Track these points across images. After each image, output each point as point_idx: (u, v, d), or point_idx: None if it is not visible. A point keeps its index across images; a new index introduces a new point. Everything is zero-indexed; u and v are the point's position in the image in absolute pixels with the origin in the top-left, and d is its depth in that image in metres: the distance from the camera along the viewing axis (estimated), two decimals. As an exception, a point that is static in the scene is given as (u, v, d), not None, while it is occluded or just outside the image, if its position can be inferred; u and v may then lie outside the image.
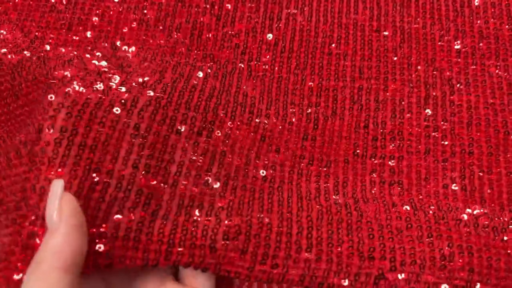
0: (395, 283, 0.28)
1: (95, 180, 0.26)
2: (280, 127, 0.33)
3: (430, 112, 0.34)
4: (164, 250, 0.27)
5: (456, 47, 0.36)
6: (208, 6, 0.36)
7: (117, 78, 0.28)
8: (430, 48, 0.36)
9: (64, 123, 0.26)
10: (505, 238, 0.29)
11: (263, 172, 0.31)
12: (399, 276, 0.28)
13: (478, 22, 0.36)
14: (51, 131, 0.26)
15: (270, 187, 0.30)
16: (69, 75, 0.28)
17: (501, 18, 0.36)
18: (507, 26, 0.36)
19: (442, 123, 0.34)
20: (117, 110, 0.27)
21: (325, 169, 0.32)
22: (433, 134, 0.33)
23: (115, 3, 0.36)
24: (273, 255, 0.28)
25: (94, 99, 0.27)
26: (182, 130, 0.29)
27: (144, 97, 0.28)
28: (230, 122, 0.31)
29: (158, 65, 0.33)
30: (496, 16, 0.37)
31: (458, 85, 0.35)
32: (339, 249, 0.28)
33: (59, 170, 0.25)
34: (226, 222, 0.28)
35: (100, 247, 0.26)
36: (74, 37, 0.35)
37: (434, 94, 0.34)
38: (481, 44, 0.36)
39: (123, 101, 0.28)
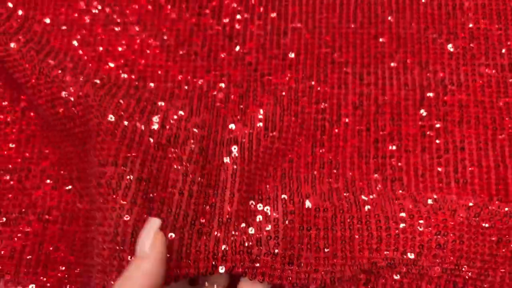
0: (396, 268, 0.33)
1: (151, 207, 0.32)
2: (291, 136, 0.37)
3: (425, 113, 0.38)
4: (211, 261, 0.32)
5: (449, 49, 0.39)
6: (220, 27, 0.40)
7: (156, 117, 0.34)
8: (424, 52, 0.39)
9: (124, 160, 0.32)
10: (488, 225, 0.33)
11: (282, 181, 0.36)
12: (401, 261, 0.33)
13: (470, 24, 0.40)
14: (114, 166, 0.32)
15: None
16: (123, 114, 0.33)
17: (491, 18, 0.40)
18: (496, 26, 0.39)
19: (436, 122, 0.37)
20: (164, 146, 0.33)
21: (335, 171, 0.37)
22: (428, 133, 0.37)
23: (136, 32, 0.40)
24: (298, 255, 0.33)
25: (146, 136, 0.33)
26: (225, 159, 0.35)
27: (183, 132, 0.34)
28: (255, 145, 0.36)
29: (185, 96, 0.38)
30: (486, 16, 0.40)
31: (450, 86, 0.38)
32: (351, 244, 0.33)
33: (122, 201, 0.31)
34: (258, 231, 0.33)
35: None
36: (107, 66, 0.39)
37: (428, 95, 0.38)
38: (472, 45, 0.39)
39: (168, 138, 0.34)
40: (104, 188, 0.32)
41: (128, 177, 0.32)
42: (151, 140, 0.34)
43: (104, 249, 0.31)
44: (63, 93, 0.35)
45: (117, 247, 0.31)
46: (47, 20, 0.40)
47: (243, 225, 0.34)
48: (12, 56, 0.36)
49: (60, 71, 0.36)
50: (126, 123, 0.34)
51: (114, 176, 0.32)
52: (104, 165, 0.32)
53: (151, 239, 0.29)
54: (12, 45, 0.36)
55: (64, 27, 0.40)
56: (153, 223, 0.30)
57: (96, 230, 0.32)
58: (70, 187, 0.37)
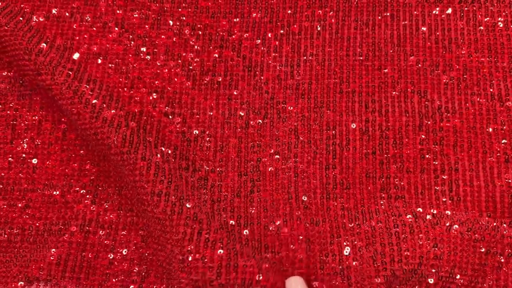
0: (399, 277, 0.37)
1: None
2: (307, 160, 0.42)
3: (424, 136, 0.42)
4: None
5: (445, 79, 0.44)
6: (240, 59, 0.45)
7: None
8: (423, 82, 0.44)
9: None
10: (479, 238, 0.38)
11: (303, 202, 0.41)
12: (403, 272, 0.37)
13: (463, 57, 0.44)
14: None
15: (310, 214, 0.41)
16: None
17: (482, 52, 0.44)
18: (488, 59, 0.44)
19: (433, 146, 0.42)
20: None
21: (346, 190, 0.41)
22: (427, 156, 0.42)
23: (164, 61, 0.45)
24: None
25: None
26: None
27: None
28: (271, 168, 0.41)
29: (210, 121, 0.43)
30: (478, 50, 0.44)
31: (446, 113, 0.43)
32: (360, 261, 0.38)
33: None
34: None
35: None
36: (139, 93, 0.44)
37: (426, 122, 0.43)
38: (465, 76, 0.44)
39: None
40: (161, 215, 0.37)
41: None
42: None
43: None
44: (106, 128, 0.40)
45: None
46: (83, 49, 0.45)
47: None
48: (59, 85, 0.41)
49: (96, 101, 0.41)
50: (157, 160, 0.39)
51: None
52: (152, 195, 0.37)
53: None
54: (58, 78, 0.41)
55: (98, 56, 0.45)
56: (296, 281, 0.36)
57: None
58: (107, 201, 0.42)
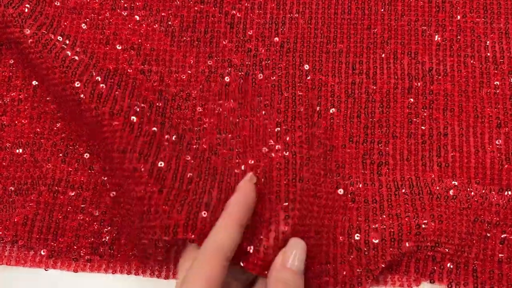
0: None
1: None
2: (291, 116, 0.39)
3: (412, 100, 0.40)
4: None
5: (437, 40, 0.41)
6: (222, 15, 0.43)
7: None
8: (414, 43, 0.42)
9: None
10: (466, 206, 0.36)
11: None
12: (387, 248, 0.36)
13: (458, 16, 0.42)
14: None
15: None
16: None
17: (478, 11, 0.42)
18: (482, 19, 0.42)
19: (422, 110, 0.40)
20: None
21: (328, 152, 0.39)
22: (414, 119, 0.40)
23: (142, 17, 0.43)
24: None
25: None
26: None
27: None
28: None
29: (189, 80, 0.41)
30: (473, 10, 0.42)
31: (437, 75, 0.41)
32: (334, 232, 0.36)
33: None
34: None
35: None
36: (114, 49, 0.42)
37: (416, 84, 0.41)
38: (459, 37, 0.41)
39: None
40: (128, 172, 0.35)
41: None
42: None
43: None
44: (76, 83, 0.37)
45: None
46: (57, 3, 0.42)
47: None
48: (28, 38, 0.38)
49: (71, 55, 0.38)
50: (134, 118, 0.36)
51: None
52: (122, 152, 0.35)
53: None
54: (27, 31, 0.39)
55: (73, 10, 0.42)
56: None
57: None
58: (78, 161, 0.40)
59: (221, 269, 0.30)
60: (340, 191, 0.38)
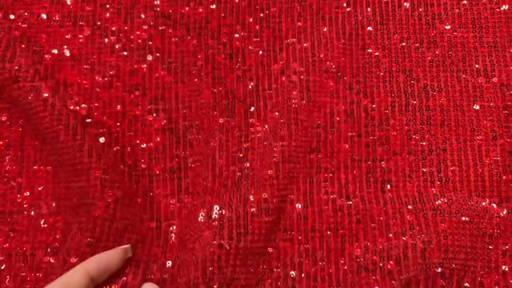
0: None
1: None
2: (294, 144, 0.41)
3: (410, 117, 0.42)
4: None
5: (429, 57, 0.43)
6: (220, 46, 0.43)
7: None
8: (408, 60, 0.43)
9: None
10: (468, 219, 0.38)
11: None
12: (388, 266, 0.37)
13: (447, 33, 0.43)
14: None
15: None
16: None
17: (467, 26, 0.43)
18: (472, 34, 0.43)
19: (420, 126, 0.41)
20: None
21: (330, 175, 0.41)
22: (414, 136, 0.41)
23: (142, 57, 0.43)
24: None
25: None
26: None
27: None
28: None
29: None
30: (462, 26, 0.43)
31: (432, 92, 0.42)
32: (345, 253, 0.38)
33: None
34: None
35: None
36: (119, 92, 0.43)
37: (413, 102, 0.42)
38: (450, 53, 0.43)
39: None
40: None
41: None
42: None
43: None
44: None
45: None
46: (55, 51, 0.43)
47: None
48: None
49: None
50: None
51: None
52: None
53: None
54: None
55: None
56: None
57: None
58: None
59: None
60: (343, 212, 0.39)
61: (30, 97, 0.39)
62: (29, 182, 0.41)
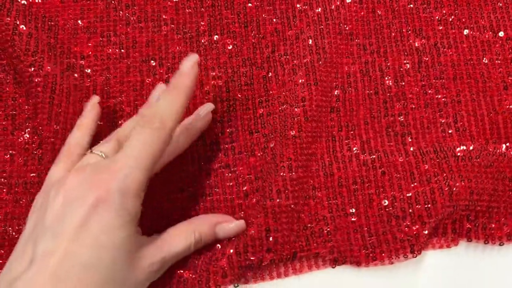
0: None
1: None
2: (315, 104, 0.41)
3: (424, 73, 0.43)
4: None
5: (437, 17, 0.44)
6: (234, 16, 0.44)
7: None
8: (417, 20, 0.44)
9: None
10: (488, 165, 0.39)
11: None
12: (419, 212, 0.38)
13: None
14: None
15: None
16: None
17: None
18: None
19: (434, 81, 0.43)
20: None
21: (351, 132, 0.42)
22: (429, 91, 0.43)
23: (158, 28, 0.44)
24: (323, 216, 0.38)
25: None
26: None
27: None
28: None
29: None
30: None
31: (442, 48, 0.44)
32: (374, 204, 0.39)
33: None
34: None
35: None
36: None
37: (425, 59, 0.43)
38: (456, 11, 0.45)
39: None
40: None
41: None
42: None
43: None
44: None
45: None
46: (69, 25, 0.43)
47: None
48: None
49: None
50: None
51: None
52: None
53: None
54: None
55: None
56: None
57: None
58: None
59: (162, 137, 0.33)
60: (368, 166, 0.40)
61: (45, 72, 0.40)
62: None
